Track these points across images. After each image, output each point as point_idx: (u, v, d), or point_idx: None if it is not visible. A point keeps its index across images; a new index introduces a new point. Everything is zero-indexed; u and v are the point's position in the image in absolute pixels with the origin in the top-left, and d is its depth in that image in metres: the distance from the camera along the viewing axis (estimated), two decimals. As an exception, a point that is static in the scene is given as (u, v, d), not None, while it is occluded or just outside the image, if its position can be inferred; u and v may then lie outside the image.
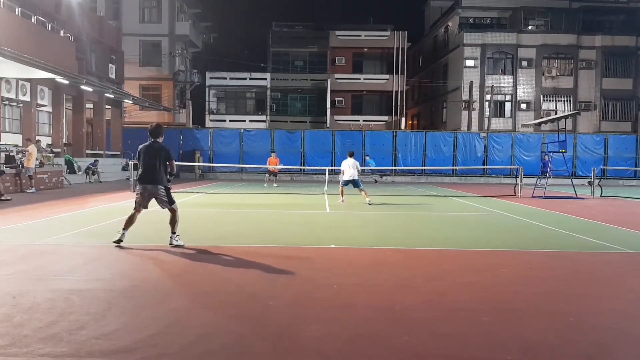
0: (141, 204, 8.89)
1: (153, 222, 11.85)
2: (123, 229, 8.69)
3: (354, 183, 17.34)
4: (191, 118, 44.84)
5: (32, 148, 19.74)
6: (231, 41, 76.01)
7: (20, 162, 20.09)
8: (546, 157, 24.11)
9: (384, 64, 48.74)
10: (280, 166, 28.60)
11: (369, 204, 16.60)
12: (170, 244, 8.67)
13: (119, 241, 8.57)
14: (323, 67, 47.83)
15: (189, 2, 48.47)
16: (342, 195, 17.76)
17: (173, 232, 8.78)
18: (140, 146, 9.04)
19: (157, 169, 8.76)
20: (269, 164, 27.13)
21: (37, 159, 21.74)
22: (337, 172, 33.68)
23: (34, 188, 19.93)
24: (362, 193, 17.34)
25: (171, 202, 8.90)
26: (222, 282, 6.49)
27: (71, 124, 30.90)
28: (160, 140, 9.02)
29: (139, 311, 5.22)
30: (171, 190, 9.04)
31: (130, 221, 8.83)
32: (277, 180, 28.74)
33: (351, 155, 17.87)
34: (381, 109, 48.62)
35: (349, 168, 17.36)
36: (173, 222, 8.81)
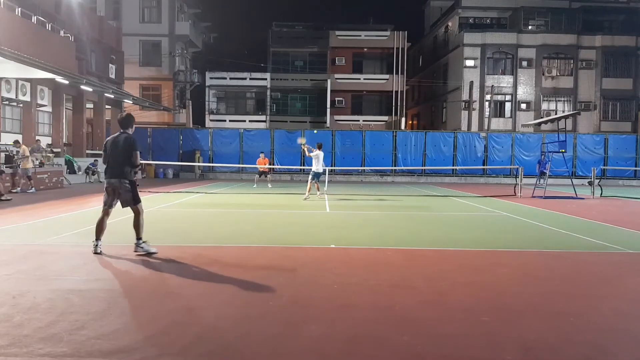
0: (107, 202, 8.18)
1: (154, 223, 11.86)
2: (96, 239, 8.01)
3: (318, 175, 18.00)
4: (191, 118, 44.85)
5: (24, 149, 19.58)
6: (231, 41, 76.13)
7: (17, 163, 19.89)
8: (542, 156, 24.14)
9: (384, 64, 48.75)
10: (268, 166, 28.40)
11: (319, 195, 18.07)
12: (135, 252, 7.96)
13: (97, 252, 7.94)
14: (323, 67, 47.85)
15: (189, 2, 48.47)
16: (309, 192, 18.08)
17: (138, 239, 8.02)
18: (107, 138, 8.39)
19: (121, 162, 8.07)
20: (258, 164, 26.64)
21: (37, 159, 21.74)
22: (337, 173, 33.86)
23: (33, 188, 19.88)
24: (317, 185, 18.45)
25: (136, 200, 8.13)
26: (222, 282, 6.49)
27: (71, 124, 30.92)
28: (130, 131, 8.37)
29: (139, 311, 5.22)
30: (137, 186, 8.32)
31: (99, 229, 8.08)
32: (271, 180, 28.21)
33: (320, 147, 18.32)
34: (381, 109, 48.64)
35: (318, 161, 17.92)
36: (137, 225, 8.06)
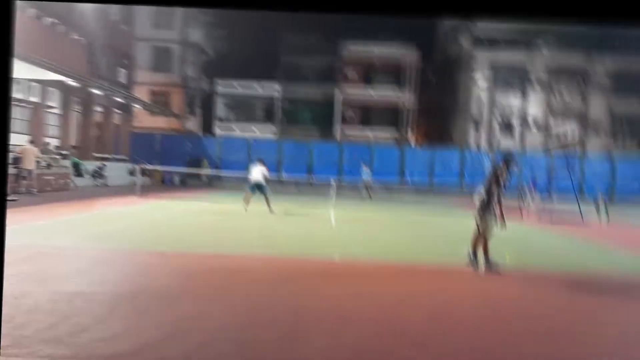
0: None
1: (159, 229, 11.86)
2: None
3: (260, 187, 17.37)
4: (200, 125, 44.94)
5: (21, 150, 19.37)
6: (242, 50, 76.12)
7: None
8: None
9: (394, 79, 48.80)
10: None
11: (272, 213, 16.64)
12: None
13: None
14: (333, 79, 47.93)
15: (202, 10, 48.66)
16: (247, 204, 17.40)
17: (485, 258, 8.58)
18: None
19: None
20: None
21: (44, 161, 21.74)
22: (344, 186, 33.75)
23: (34, 189, 19.60)
24: (265, 199, 17.39)
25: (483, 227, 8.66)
26: (224, 291, 6.45)
27: (80, 127, 30.99)
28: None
29: (141, 316, 5.18)
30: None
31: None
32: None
33: (260, 162, 18.05)
34: (390, 123, 48.62)
35: (257, 173, 17.56)
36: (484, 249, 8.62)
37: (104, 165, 28.01)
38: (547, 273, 8.73)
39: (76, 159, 27.15)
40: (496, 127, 43.31)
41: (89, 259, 7.81)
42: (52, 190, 21.49)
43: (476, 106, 43.42)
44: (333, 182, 24.91)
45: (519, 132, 44.26)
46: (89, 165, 27.75)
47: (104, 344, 4.30)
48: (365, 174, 28.38)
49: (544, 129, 43.80)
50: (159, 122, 43.47)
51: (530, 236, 14.06)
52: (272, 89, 47.06)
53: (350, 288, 6.84)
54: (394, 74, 48.67)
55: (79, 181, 25.48)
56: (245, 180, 29.17)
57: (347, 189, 33.66)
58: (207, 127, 47.63)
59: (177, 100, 45.16)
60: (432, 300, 6.48)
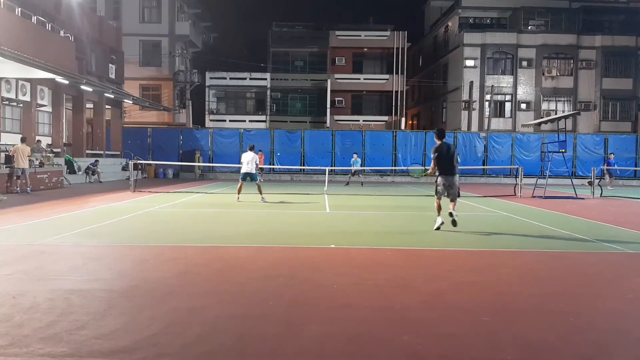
0: (442, 192, 11.32)
1: (154, 223, 11.88)
2: (437, 216, 11.10)
3: (251, 176, 17.77)
4: (191, 118, 44.81)
5: (14, 149, 19.42)
6: (231, 41, 75.84)
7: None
8: (610, 156, 25.01)
9: (384, 64, 48.72)
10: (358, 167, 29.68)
11: (264, 202, 17.01)
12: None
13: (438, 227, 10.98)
14: (323, 67, 47.79)
15: (189, 2, 48.43)
16: (239, 193, 17.74)
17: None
18: (437, 146, 11.60)
19: (452, 164, 11.29)
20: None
21: (37, 159, 21.69)
22: (337, 172, 33.86)
23: (28, 188, 19.66)
24: (257, 187, 17.90)
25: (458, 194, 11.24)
26: (222, 282, 6.49)
27: (71, 124, 30.90)
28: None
29: (139, 311, 5.22)
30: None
31: (439, 207, 11.37)
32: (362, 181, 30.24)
33: (251, 149, 18.37)
34: (381, 109, 48.62)
35: (247, 163, 17.81)
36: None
37: (97, 161, 27.95)
38: (545, 252, 8.80)
39: (69, 157, 27.10)
40: (487, 108, 43.27)
41: (85, 255, 7.83)
42: (46, 188, 21.47)
43: (467, 88, 43.34)
44: (326, 170, 25.05)
45: (510, 112, 44.26)
46: (82, 162, 27.70)
47: (102, 340, 4.34)
48: (356, 162, 28.93)
49: (535, 109, 43.80)
50: (151, 117, 43.36)
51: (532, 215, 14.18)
52: (263, 80, 46.87)
53: (346, 275, 6.88)
54: (383, 59, 48.58)
55: (72, 178, 25.44)
56: (238, 170, 29.24)
57: (340, 175, 33.73)
58: (199, 120, 47.49)
59: (167, 94, 45.00)
60: (429, 286, 6.53)
